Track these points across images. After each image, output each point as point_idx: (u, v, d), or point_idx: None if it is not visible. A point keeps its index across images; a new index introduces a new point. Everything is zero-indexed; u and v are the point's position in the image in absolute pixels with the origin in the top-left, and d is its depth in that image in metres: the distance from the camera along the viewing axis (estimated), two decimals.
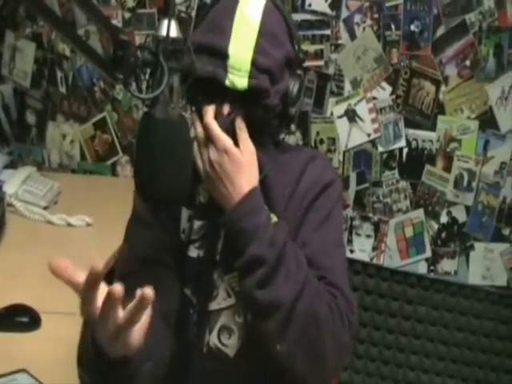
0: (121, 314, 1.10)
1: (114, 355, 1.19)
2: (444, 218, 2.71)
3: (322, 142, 2.76)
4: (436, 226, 2.72)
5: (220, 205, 1.49)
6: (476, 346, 2.78)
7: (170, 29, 1.22)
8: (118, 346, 1.16)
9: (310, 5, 2.67)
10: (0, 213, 2.32)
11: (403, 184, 2.72)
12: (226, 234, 1.55)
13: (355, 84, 2.69)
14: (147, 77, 1.25)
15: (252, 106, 1.49)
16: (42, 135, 3.14)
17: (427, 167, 2.68)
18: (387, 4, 2.60)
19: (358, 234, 2.80)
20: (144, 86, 1.25)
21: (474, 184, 2.64)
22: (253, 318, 1.54)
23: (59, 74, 3.05)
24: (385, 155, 2.72)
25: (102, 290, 1.09)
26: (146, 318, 1.14)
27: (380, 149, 2.71)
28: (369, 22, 2.63)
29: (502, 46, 2.53)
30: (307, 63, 2.65)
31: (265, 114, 1.51)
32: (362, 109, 2.70)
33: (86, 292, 1.09)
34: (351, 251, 2.78)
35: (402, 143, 2.69)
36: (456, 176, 2.65)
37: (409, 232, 2.75)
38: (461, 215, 2.69)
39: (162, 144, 1.26)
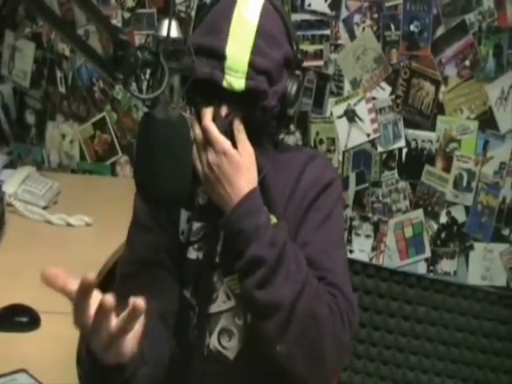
0: (114, 322, 1.10)
1: (107, 362, 1.19)
2: (443, 218, 2.71)
3: (321, 142, 2.76)
4: (435, 226, 2.72)
5: (219, 206, 1.49)
6: (475, 347, 2.78)
7: (170, 29, 1.22)
8: (111, 353, 1.16)
9: (309, 5, 2.67)
10: None
11: (403, 184, 2.72)
12: (225, 236, 1.55)
13: (355, 84, 2.69)
14: (147, 77, 1.25)
15: (250, 107, 1.49)
16: (42, 135, 3.14)
17: (427, 167, 2.68)
18: (387, 4, 2.60)
19: (358, 234, 2.80)
20: (144, 87, 1.25)
21: (473, 184, 2.64)
22: (253, 319, 1.54)
23: (59, 74, 3.05)
24: (384, 155, 2.72)
25: (96, 297, 1.08)
26: (139, 326, 1.14)
27: (379, 149, 2.71)
28: (368, 22, 2.63)
29: (501, 46, 2.53)
30: (307, 63, 2.68)
31: (263, 115, 1.51)
32: (362, 109, 2.70)
33: (79, 301, 1.08)
34: (350, 251, 2.78)
35: (402, 143, 2.69)
36: (455, 176, 2.65)
37: (408, 232, 2.75)
38: (460, 215, 2.69)
39: (162, 144, 1.26)
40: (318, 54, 2.70)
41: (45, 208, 2.59)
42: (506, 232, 2.66)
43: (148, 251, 1.61)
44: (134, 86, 1.22)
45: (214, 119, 1.47)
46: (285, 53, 1.53)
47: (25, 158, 3.17)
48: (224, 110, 1.49)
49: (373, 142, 2.72)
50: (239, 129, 1.48)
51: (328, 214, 1.58)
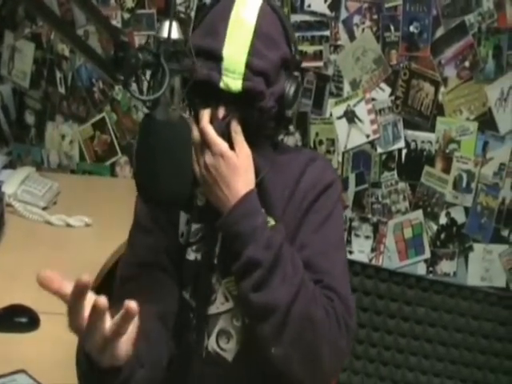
0: (108, 325, 1.10)
1: (103, 364, 1.19)
2: (443, 219, 2.71)
3: (321, 142, 2.76)
4: (435, 227, 2.72)
5: (217, 208, 1.49)
6: (475, 347, 2.78)
7: (171, 30, 1.22)
8: (105, 356, 1.16)
9: (309, 6, 2.67)
10: None
11: (402, 185, 2.72)
12: (223, 238, 1.55)
13: (354, 85, 2.69)
14: (148, 78, 1.25)
15: (247, 108, 1.49)
16: (41, 135, 3.14)
17: (426, 168, 2.68)
18: (386, 5, 2.60)
19: (357, 235, 2.80)
20: (145, 88, 1.25)
21: (473, 185, 2.64)
22: (249, 321, 1.54)
23: (58, 75, 3.05)
24: (384, 156, 2.72)
25: (90, 300, 1.08)
26: (133, 328, 1.14)
27: (379, 150, 2.71)
28: (368, 23, 2.63)
29: (501, 47, 2.52)
30: (306, 64, 2.68)
31: (260, 116, 1.51)
32: (361, 110, 2.70)
33: (73, 303, 1.08)
34: (350, 252, 2.78)
35: (401, 144, 2.69)
36: (455, 177, 2.65)
37: (408, 233, 2.75)
38: (460, 216, 2.69)
39: (162, 145, 1.26)
40: (318, 55, 2.70)
41: (44, 208, 2.59)
42: (505, 233, 2.66)
43: (148, 253, 1.61)
44: (134, 87, 1.23)
45: (212, 121, 1.48)
46: (282, 54, 1.53)
47: (24, 159, 3.17)
48: (221, 112, 1.49)
49: (372, 143, 2.72)
50: (236, 130, 1.48)
51: (327, 216, 1.58)
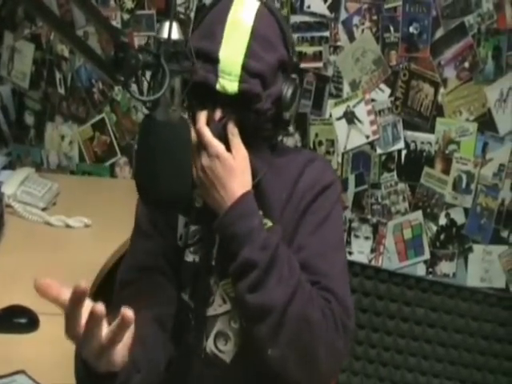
0: (104, 332, 1.10)
1: (99, 370, 1.20)
2: (443, 220, 2.70)
3: (320, 143, 2.76)
4: (435, 228, 2.72)
5: (214, 210, 1.50)
6: (474, 348, 2.78)
7: (171, 31, 1.22)
8: (102, 362, 1.17)
9: (308, 6, 2.67)
10: None
11: (402, 186, 2.72)
12: (220, 240, 1.55)
13: (354, 86, 2.69)
14: (148, 79, 1.25)
15: (243, 110, 1.49)
16: (41, 136, 3.14)
17: (426, 169, 2.68)
18: (386, 6, 2.60)
19: (357, 236, 2.80)
20: (145, 89, 1.25)
21: (472, 186, 2.64)
22: (246, 323, 1.54)
23: (58, 75, 3.05)
24: (383, 157, 2.71)
25: (87, 306, 1.08)
26: (129, 334, 1.15)
27: (379, 151, 2.71)
28: (368, 23, 2.63)
29: (500, 48, 2.52)
30: (306, 65, 2.68)
31: (256, 118, 1.51)
32: (361, 111, 2.70)
33: (71, 310, 1.08)
34: (350, 253, 2.78)
35: (401, 145, 2.69)
36: (455, 178, 2.65)
37: (407, 234, 2.75)
38: (459, 217, 2.69)
39: (162, 146, 1.26)
40: (317, 56, 2.70)
41: (44, 209, 2.59)
42: (504, 234, 2.66)
43: (147, 258, 1.62)
44: (134, 87, 1.23)
45: (208, 123, 1.48)
46: (280, 56, 1.53)
47: (24, 159, 3.17)
48: (218, 114, 1.49)
49: (372, 144, 2.72)
50: (233, 132, 1.49)
51: (325, 217, 1.58)
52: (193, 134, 1.46)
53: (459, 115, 2.60)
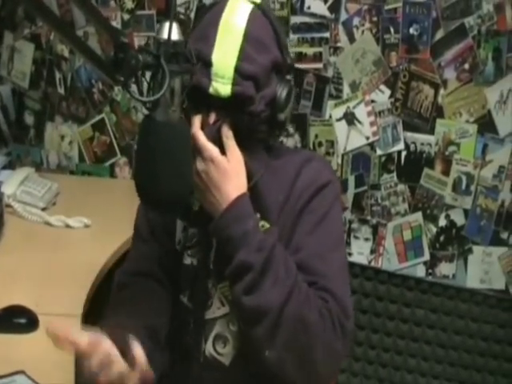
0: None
1: None
2: (442, 222, 2.70)
3: (320, 144, 2.76)
4: (434, 230, 2.72)
5: (210, 213, 1.50)
6: (474, 350, 2.77)
7: (171, 31, 1.22)
8: None
9: (309, 7, 2.67)
10: None
11: (401, 187, 2.72)
12: (217, 243, 1.56)
13: (354, 87, 2.69)
14: (148, 79, 1.25)
15: (237, 112, 1.49)
16: (41, 136, 3.14)
17: (426, 170, 2.68)
18: (386, 7, 2.60)
19: (356, 237, 2.80)
20: (145, 89, 1.25)
21: (472, 187, 2.64)
22: (243, 325, 1.54)
23: (58, 75, 3.05)
24: (383, 158, 2.71)
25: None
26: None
27: (378, 152, 2.71)
28: (368, 24, 2.63)
29: (500, 49, 2.52)
30: (306, 66, 2.68)
31: (250, 120, 1.52)
32: (361, 112, 2.70)
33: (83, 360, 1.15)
34: (349, 254, 2.78)
35: (401, 146, 2.69)
36: (454, 179, 2.65)
37: (407, 235, 2.75)
38: (459, 219, 2.69)
39: (162, 147, 1.27)
40: (318, 57, 2.70)
41: (43, 209, 2.58)
42: (504, 235, 2.66)
43: (143, 262, 1.65)
44: (134, 88, 1.23)
45: (203, 127, 1.48)
46: (273, 57, 1.54)
47: (24, 159, 3.17)
48: (212, 117, 1.50)
49: (372, 145, 2.71)
50: (227, 135, 1.49)
51: (323, 216, 1.58)
52: None
53: (459, 116, 2.60)
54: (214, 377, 1.61)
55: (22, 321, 1.82)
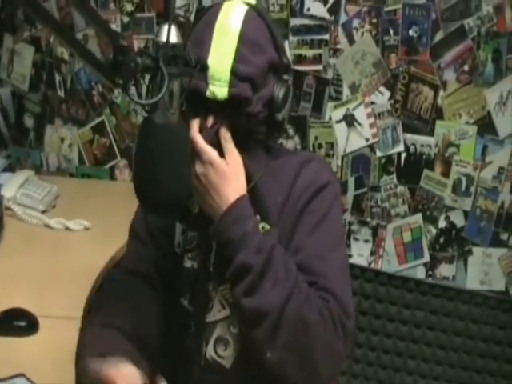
0: None
1: None
2: (442, 223, 2.70)
3: (320, 146, 2.76)
4: (434, 231, 2.72)
5: (210, 216, 1.50)
6: (474, 351, 2.77)
7: (170, 34, 1.22)
8: None
9: (308, 9, 2.67)
10: None
11: (401, 189, 2.72)
12: (217, 246, 1.56)
13: (354, 89, 2.69)
14: (147, 82, 1.25)
15: (235, 114, 1.49)
16: (40, 139, 3.14)
17: (425, 172, 2.68)
18: (386, 9, 2.60)
19: (356, 239, 2.80)
20: (144, 92, 1.25)
21: (472, 189, 2.64)
22: (243, 327, 1.54)
23: (57, 78, 3.05)
24: (383, 160, 2.71)
25: None
26: None
27: (378, 153, 2.71)
28: (367, 26, 2.63)
29: (500, 51, 2.53)
30: (306, 68, 2.68)
31: (248, 121, 1.52)
32: (361, 113, 2.70)
33: None
34: (349, 256, 2.78)
35: (401, 148, 2.69)
36: (454, 181, 2.65)
37: (407, 237, 2.75)
38: (459, 220, 2.69)
39: (161, 149, 1.27)
40: (317, 59, 2.70)
41: (43, 212, 2.58)
42: (504, 236, 2.66)
43: (141, 264, 1.65)
44: (133, 90, 1.23)
45: (201, 130, 1.48)
46: (269, 58, 1.54)
47: (23, 162, 3.17)
48: (210, 120, 1.50)
49: (372, 147, 2.72)
50: (226, 138, 1.50)
51: (323, 217, 1.58)
52: None
53: (459, 118, 2.60)
54: (215, 380, 1.61)
55: (22, 324, 1.81)
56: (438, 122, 2.63)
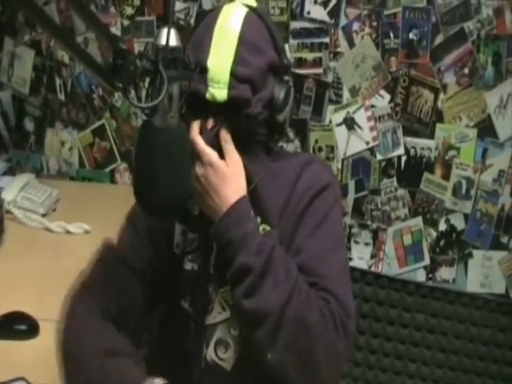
0: None
1: None
2: (442, 226, 2.70)
3: (320, 149, 2.76)
4: (434, 234, 2.72)
5: (210, 217, 1.50)
6: (474, 354, 2.77)
7: (169, 37, 1.22)
8: None
9: (308, 12, 2.68)
10: None
11: (401, 192, 2.72)
12: (217, 247, 1.56)
13: (354, 92, 2.69)
14: (146, 85, 1.25)
15: (234, 116, 1.50)
16: (41, 142, 3.14)
17: (426, 175, 2.68)
18: (386, 12, 2.60)
19: (357, 242, 2.80)
20: (143, 95, 1.25)
21: (472, 192, 2.64)
22: (244, 328, 1.54)
23: (58, 81, 3.05)
24: (383, 163, 2.71)
25: None
26: None
27: (378, 157, 2.71)
28: (367, 29, 2.63)
29: (500, 53, 2.53)
30: (306, 71, 2.68)
31: (247, 123, 1.52)
32: (361, 117, 2.70)
33: None
34: (349, 259, 2.78)
35: (401, 151, 2.69)
36: (454, 184, 2.65)
37: (407, 240, 2.75)
38: (459, 223, 2.69)
39: (161, 152, 1.27)
40: (317, 62, 2.70)
41: (44, 215, 2.59)
42: (504, 239, 2.66)
43: (133, 256, 1.64)
44: (133, 94, 1.23)
45: (201, 132, 1.49)
46: (269, 59, 1.54)
47: (24, 165, 3.17)
48: (210, 122, 1.50)
49: (372, 150, 2.72)
50: (226, 139, 1.50)
51: (323, 218, 1.58)
52: None
53: (459, 121, 2.60)
54: (216, 382, 1.60)
55: (23, 327, 1.82)
56: (438, 125, 2.63)
